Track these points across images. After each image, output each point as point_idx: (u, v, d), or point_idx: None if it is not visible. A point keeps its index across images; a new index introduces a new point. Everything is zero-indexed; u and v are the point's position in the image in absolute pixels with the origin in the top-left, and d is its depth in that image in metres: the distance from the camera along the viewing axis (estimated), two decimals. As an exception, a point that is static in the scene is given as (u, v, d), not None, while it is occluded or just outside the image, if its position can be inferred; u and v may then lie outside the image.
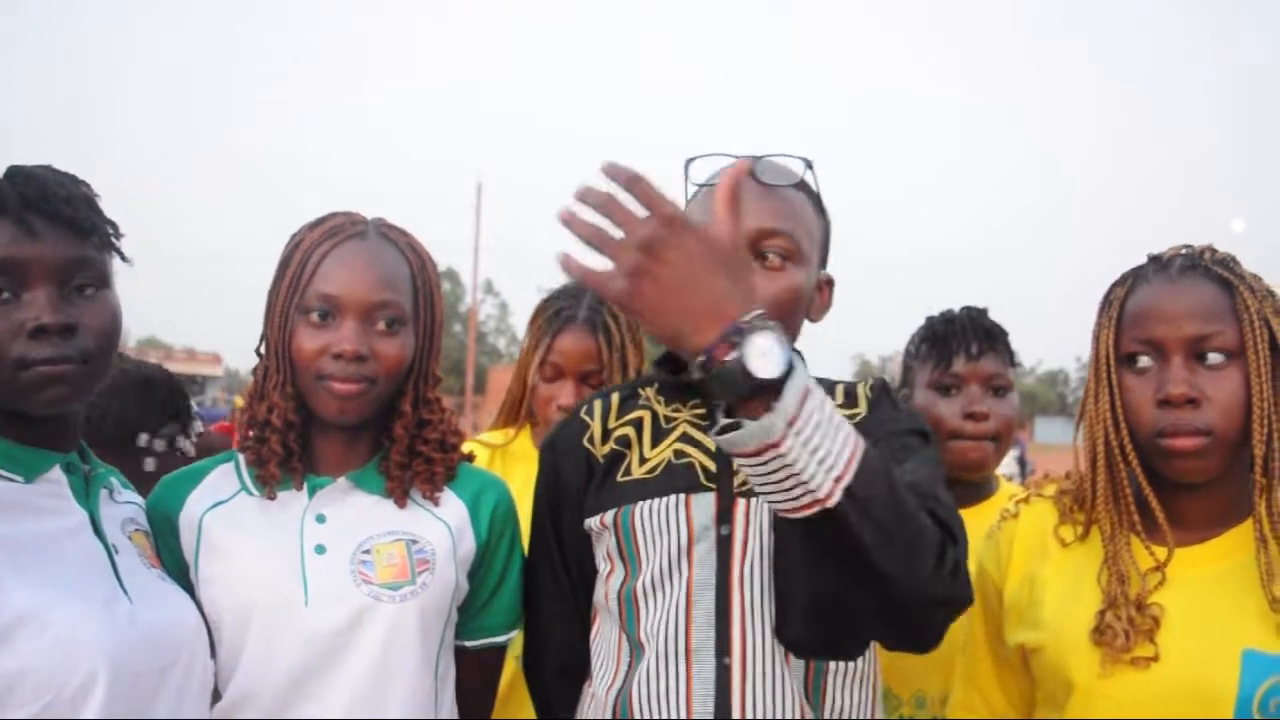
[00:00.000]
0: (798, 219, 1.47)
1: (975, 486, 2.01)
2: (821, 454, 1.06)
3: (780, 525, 1.39)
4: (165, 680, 1.29)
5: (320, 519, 1.49)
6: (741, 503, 1.43)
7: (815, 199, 1.52)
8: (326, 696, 1.41)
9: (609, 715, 1.45)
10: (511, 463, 2.29)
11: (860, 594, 1.21)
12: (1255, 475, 1.32)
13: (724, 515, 1.43)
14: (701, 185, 1.51)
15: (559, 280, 2.34)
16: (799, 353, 1.57)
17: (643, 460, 1.51)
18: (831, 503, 1.08)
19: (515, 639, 1.68)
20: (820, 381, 1.55)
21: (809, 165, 1.50)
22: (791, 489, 1.08)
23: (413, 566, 1.47)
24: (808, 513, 1.09)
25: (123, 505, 1.46)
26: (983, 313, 2.03)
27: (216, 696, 1.44)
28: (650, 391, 1.59)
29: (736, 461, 1.10)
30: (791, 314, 1.46)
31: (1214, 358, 1.32)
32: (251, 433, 1.52)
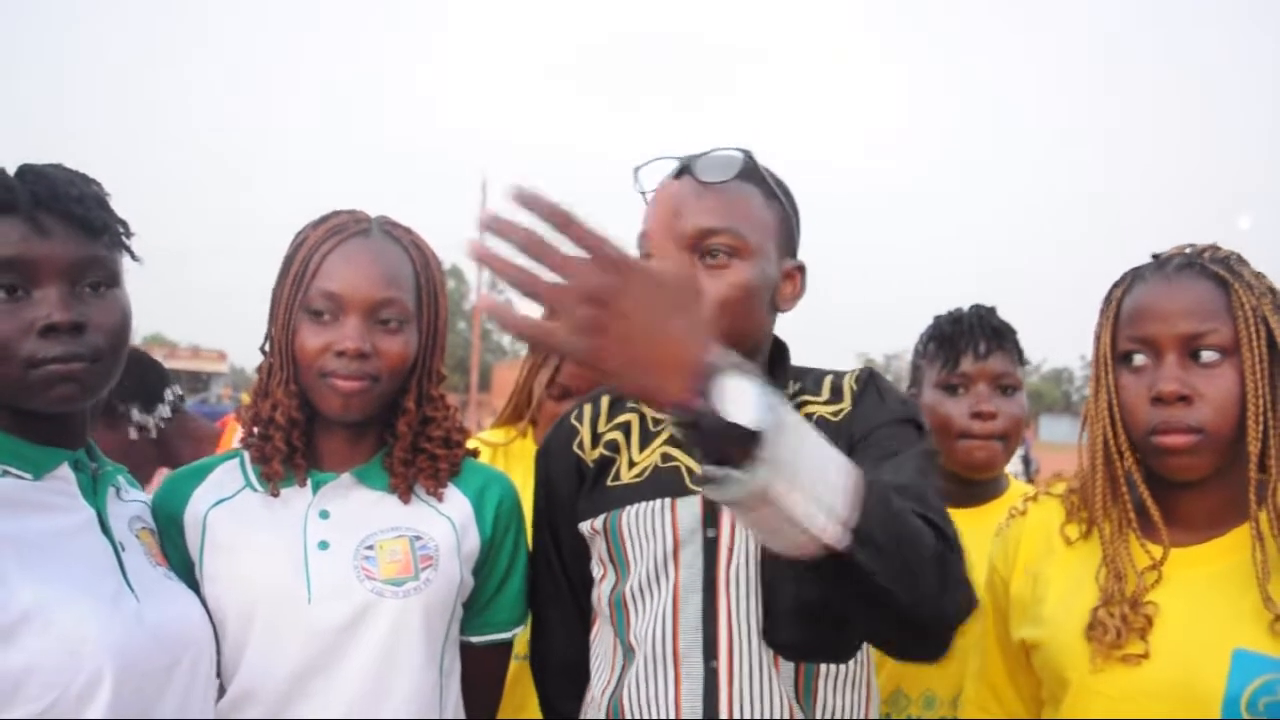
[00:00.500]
0: (740, 213, 1.44)
1: (984, 485, 2.00)
2: (818, 494, 1.00)
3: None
4: (171, 678, 1.29)
5: (324, 515, 1.49)
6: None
7: (765, 189, 1.48)
8: (330, 692, 1.41)
9: (602, 716, 1.46)
10: (513, 462, 2.29)
11: (857, 607, 1.17)
12: (1250, 473, 1.31)
13: (710, 518, 1.42)
14: (643, 193, 1.50)
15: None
16: (784, 346, 1.56)
17: (631, 464, 1.51)
18: (836, 544, 1.02)
19: (519, 636, 1.68)
20: (808, 372, 1.55)
21: (748, 156, 1.48)
22: (790, 534, 1.01)
23: (416, 562, 1.47)
24: (809, 555, 1.04)
25: (130, 503, 1.46)
26: (991, 311, 2.03)
27: (221, 692, 1.44)
28: None
29: (727, 509, 1.03)
30: (746, 311, 1.43)
31: (1208, 355, 1.32)
32: (255, 429, 1.52)
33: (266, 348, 1.55)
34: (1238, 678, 1.24)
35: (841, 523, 1.01)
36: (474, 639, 1.59)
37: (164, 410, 2.56)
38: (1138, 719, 1.29)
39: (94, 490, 1.37)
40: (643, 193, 1.51)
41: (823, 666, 1.40)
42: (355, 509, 1.50)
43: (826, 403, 1.48)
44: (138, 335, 1.41)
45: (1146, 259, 1.45)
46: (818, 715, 1.40)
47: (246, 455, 1.54)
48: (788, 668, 1.39)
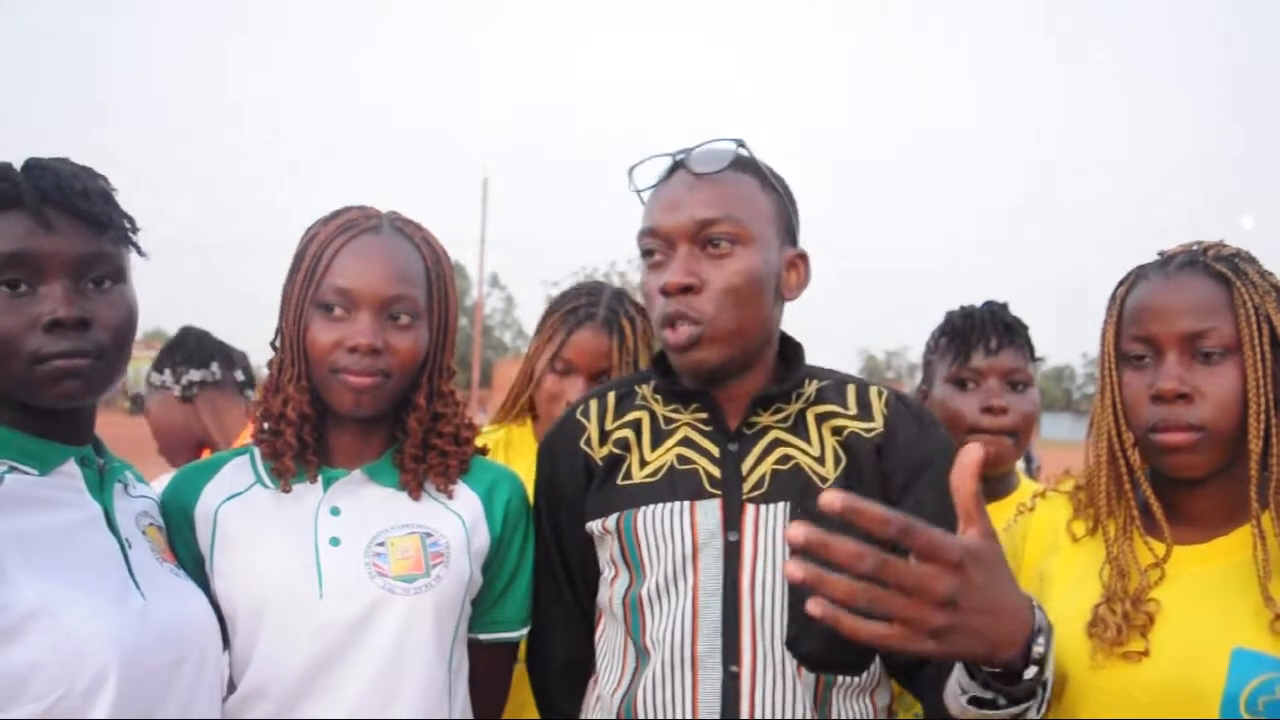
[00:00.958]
0: (739, 202, 1.45)
1: (995, 482, 2.00)
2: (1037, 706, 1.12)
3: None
4: (177, 676, 1.29)
5: (335, 511, 1.49)
6: (750, 509, 1.42)
7: (760, 177, 1.49)
8: (341, 689, 1.41)
9: (613, 718, 1.45)
10: (513, 453, 2.27)
11: None
12: (1251, 471, 1.31)
13: (732, 521, 1.42)
14: (640, 190, 1.52)
15: (562, 275, 2.34)
16: (798, 345, 1.55)
17: (643, 463, 1.50)
18: None
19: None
20: (823, 373, 1.55)
21: (741, 145, 1.49)
22: None
23: (427, 559, 1.47)
24: None
25: (137, 499, 1.46)
26: (1003, 307, 2.02)
27: (230, 688, 1.45)
28: (647, 390, 1.57)
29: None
30: (752, 297, 1.44)
31: (1210, 353, 1.32)
32: (266, 425, 1.52)
33: (277, 343, 1.55)
34: (1237, 676, 1.24)
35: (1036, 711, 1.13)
36: (482, 637, 1.59)
37: (192, 375, 2.53)
38: (1136, 717, 1.29)
39: (100, 486, 1.37)
40: (638, 191, 1.52)
41: (840, 677, 1.40)
42: (366, 505, 1.50)
43: (856, 418, 1.48)
44: (138, 330, 1.41)
45: (1151, 257, 1.45)
46: (831, 718, 1.40)
47: (257, 451, 1.54)
48: (809, 677, 1.39)
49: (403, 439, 1.54)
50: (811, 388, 1.52)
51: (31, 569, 1.19)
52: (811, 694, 1.39)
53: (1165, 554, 1.36)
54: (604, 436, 1.55)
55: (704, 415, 1.50)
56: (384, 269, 1.47)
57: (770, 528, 1.41)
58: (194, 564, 1.48)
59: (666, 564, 1.43)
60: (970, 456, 1.02)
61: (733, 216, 1.43)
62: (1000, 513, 1.90)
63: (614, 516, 1.49)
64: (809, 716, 1.38)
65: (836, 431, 1.47)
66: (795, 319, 1.57)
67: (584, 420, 1.58)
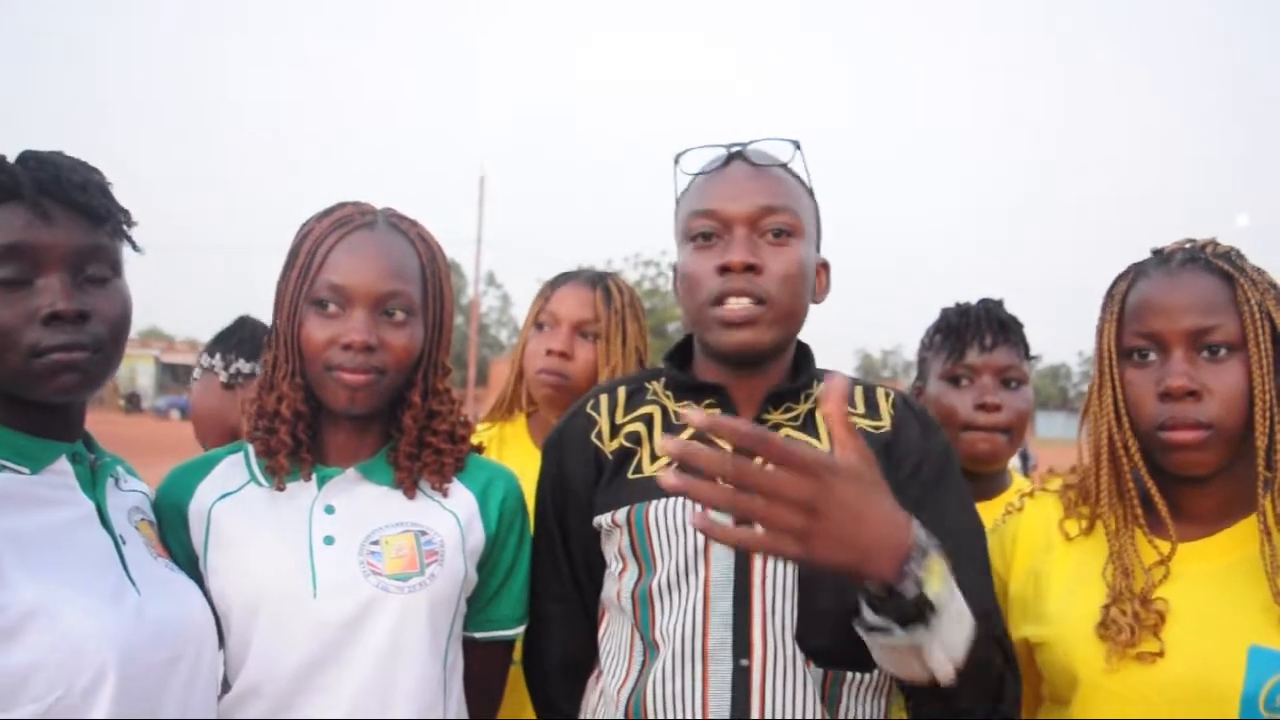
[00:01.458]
0: (794, 197, 1.49)
1: (987, 480, 1.99)
2: (948, 645, 1.14)
3: None
4: (173, 672, 1.29)
5: (329, 510, 1.48)
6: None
7: (803, 181, 1.54)
8: (335, 687, 1.40)
9: (621, 715, 1.44)
10: (507, 448, 2.25)
11: (924, 700, 1.30)
12: (1258, 468, 1.31)
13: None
14: (694, 175, 1.53)
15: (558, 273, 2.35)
16: (808, 347, 1.56)
17: (654, 457, 1.50)
18: (945, 682, 1.15)
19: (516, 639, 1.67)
20: (829, 375, 1.55)
21: (797, 147, 1.52)
22: (911, 668, 1.16)
23: (421, 558, 1.47)
24: (916, 681, 1.18)
25: (128, 494, 1.46)
26: (998, 304, 2.02)
27: (225, 687, 1.44)
28: (658, 386, 1.58)
29: (865, 637, 1.14)
30: (801, 290, 1.47)
31: (1215, 350, 1.32)
32: (261, 423, 1.51)
33: (271, 340, 1.54)
34: (1255, 675, 1.24)
35: (956, 667, 1.15)
36: (477, 635, 1.58)
37: (241, 365, 2.54)
38: (1152, 718, 1.29)
39: (93, 482, 1.36)
40: (691, 175, 1.53)
41: (849, 673, 1.40)
42: (360, 504, 1.49)
43: (864, 416, 1.50)
44: (134, 329, 1.40)
45: (1145, 255, 1.44)
46: (840, 717, 1.40)
47: (251, 449, 1.53)
48: (818, 671, 1.39)
49: (397, 437, 1.54)
50: (820, 387, 1.52)
51: (27, 569, 1.19)
52: (819, 688, 1.39)
53: (1170, 551, 1.36)
54: (615, 430, 1.55)
55: (716, 411, 1.51)
56: (378, 265, 1.47)
57: None
58: (188, 562, 1.47)
59: (678, 557, 1.43)
60: (835, 383, 1.08)
61: (791, 209, 1.47)
62: (993, 511, 1.90)
63: (625, 510, 1.48)
64: (817, 707, 1.38)
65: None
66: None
67: (595, 414, 1.58)
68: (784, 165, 1.51)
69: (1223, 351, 1.32)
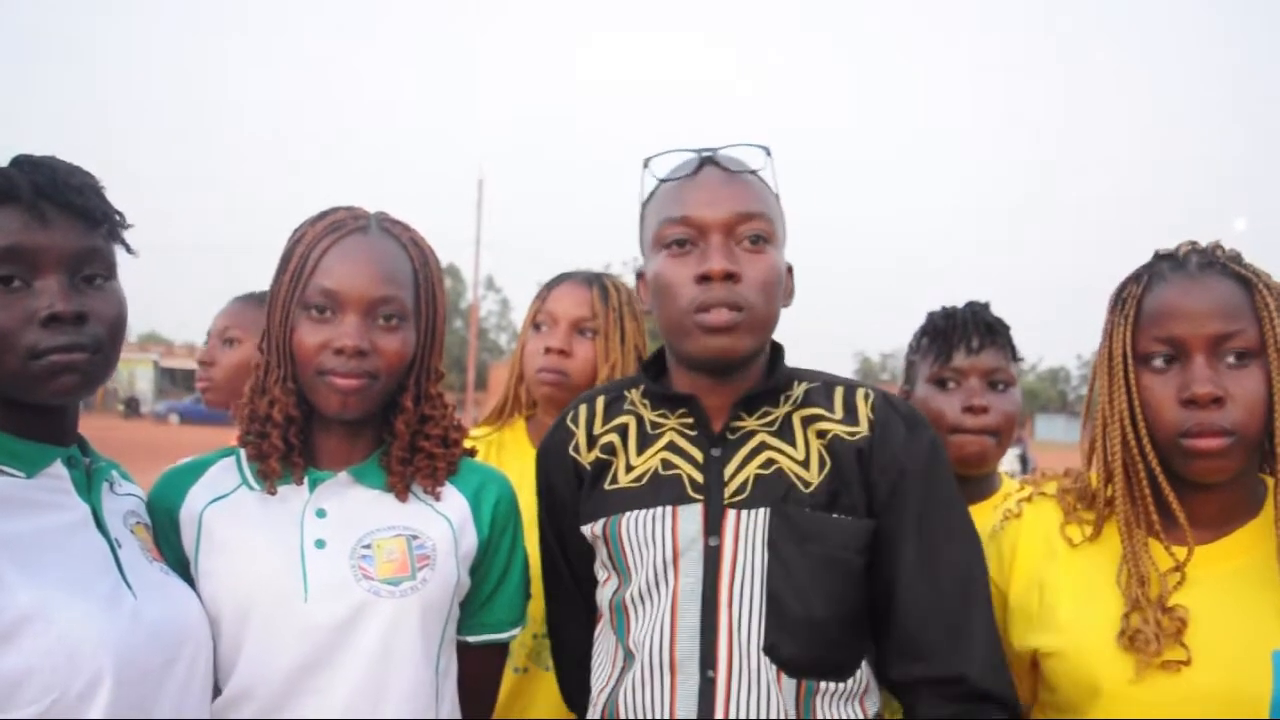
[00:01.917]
0: (767, 203, 1.48)
1: (977, 483, 1.98)
2: None
3: (777, 542, 1.39)
4: (169, 676, 1.29)
5: (321, 514, 1.48)
6: (731, 514, 1.42)
7: (771, 188, 1.52)
8: (327, 691, 1.40)
9: (598, 717, 1.47)
10: (505, 453, 2.25)
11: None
12: (1278, 473, 1.30)
13: (713, 526, 1.42)
14: (662, 180, 1.52)
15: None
16: (780, 348, 1.55)
17: (629, 468, 1.51)
18: None
19: (516, 644, 1.67)
20: (809, 375, 1.54)
21: (768, 153, 1.51)
22: None
23: (413, 562, 1.47)
24: None
25: (123, 498, 1.46)
26: (984, 307, 2.01)
27: (217, 691, 1.43)
28: (635, 395, 1.58)
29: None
30: (777, 296, 1.47)
31: (1237, 356, 1.31)
32: (253, 427, 1.51)
33: (264, 345, 1.54)
34: None
35: None
36: (470, 639, 1.58)
37: None
38: None
39: (88, 486, 1.36)
40: (660, 180, 1.52)
41: (823, 683, 1.40)
42: (352, 508, 1.49)
43: (840, 421, 1.48)
44: (133, 333, 1.40)
45: (1146, 258, 1.43)
46: None
47: (243, 453, 1.53)
48: (790, 683, 1.38)
49: (390, 441, 1.54)
50: (799, 389, 1.52)
51: (23, 573, 1.19)
52: (793, 700, 1.38)
53: (1188, 556, 1.35)
54: (591, 441, 1.56)
55: (689, 420, 1.50)
56: (371, 270, 1.47)
57: (750, 533, 1.41)
58: (180, 566, 1.47)
59: (649, 568, 1.44)
60: None
61: (766, 215, 1.46)
62: (984, 515, 1.89)
63: (601, 522, 1.50)
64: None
65: (821, 435, 1.47)
66: (791, 319, 1.57)
67: (573, 426, 1.59)
68: (754, 172, 1.50)
69: (1244, 358, 1.31)
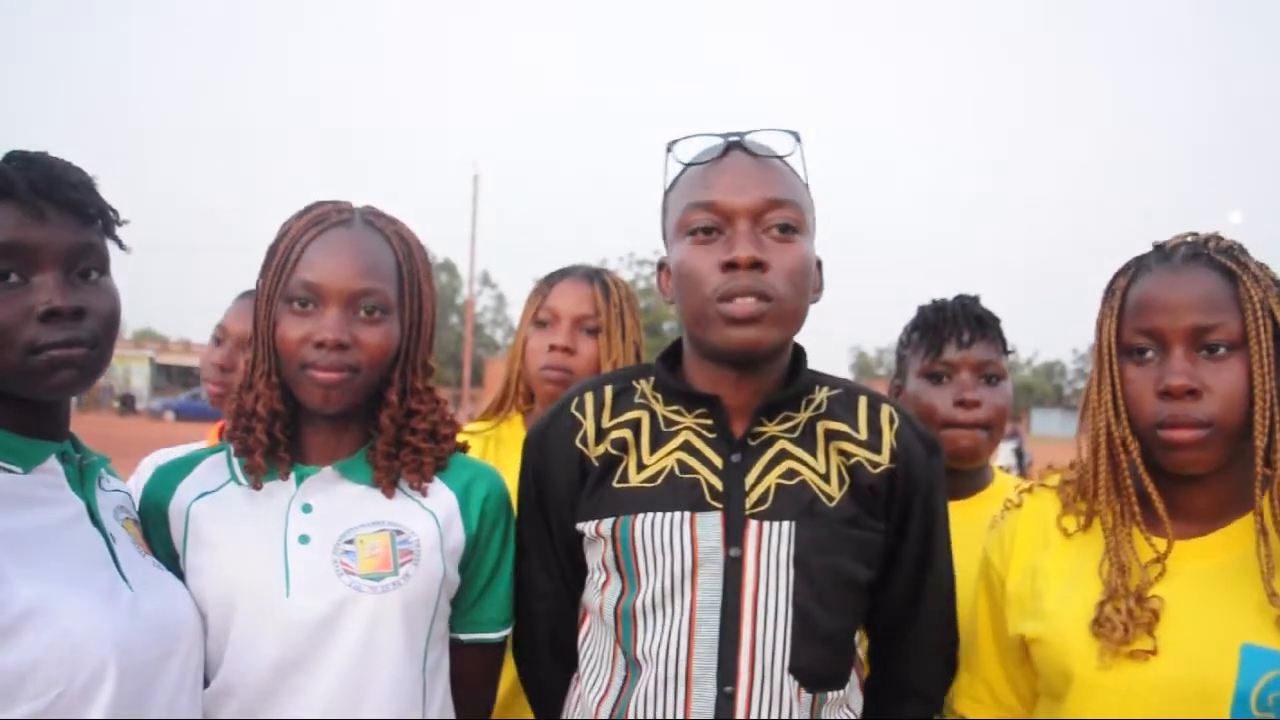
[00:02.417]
0: (797, 190, 1.43)
1: (970, 477, 1.98)
2: None
3: (804, 557, 1.38)
4: (166, 668, 1.29)
5: (306, 509, 1.47)
6: (753, 525, 1.39)
7: (801, 176, 1.48)
8: (309, 687, 1.40)
9: None
10: (504, 448, 2.24)
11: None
12: (1257, 467, 1.29)
13: (733, 537, 1.38)
14: (687, 164, 1.47)
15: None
16: (803, 350, 1.52)
17: (641, 466, 1.45)
18: None
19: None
20: (830, 381, 1.52)
21: (798, 139, 1.46)
22: None
23: (395, 557, 1.45)
24: None
25: (112, 493, 1.45)
26: (974, 300, 2.01)
27: (206, 685, 1.43)
28: (647, 386, 1.52)
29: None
30: (806, 286, 1.42)
31: (1216, 348, 1.30)
32: (239, 422, 1.50)
33: (250, 340, 1.53)
34: (1247, 673, 1.24)
35: None
36: (463, 637, 1.57)
37: None
38: (1145, 716, 1.28)
39: (81, 482, 1.36)
40: (683, 164, 1.48)
41: (829, 693, 1.40)
42: (338, 503, 1.49)
43: (865, 445, 1.46)
44: (128, 330, 1.40)
45: (1143, 251, 1.43)
46: None
47: (232, 448, 1.53)
48: (808, 697, 1.37)
49: (376, 436, 1.52)
50: (822, 395, 1.49)
51: (24, 568, 1.19)
52: (809, 713, 1.37)
53: (1167, 549, 1.35)
54: (600, 434, 1.49)
55: (708, 421, 1.46)
56: (352, 263, 1.46)
57: (774, 545, 1.38)
58: (170, 561, 1.47)
59: (664, 576, 1.39)
60: None
61: (795, 203, 1.41)
62: (975, 508, 1.89)
63: (609, 521, 1.44)
64: None
65: (843, 454, 1.45)
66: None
67: (579, 415, 1.52)
68: (783, 158, 1.45)
69: (1223, 350, 1.30)
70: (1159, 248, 1.41)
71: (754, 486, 1.41)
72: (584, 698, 1.48)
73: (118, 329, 1.36)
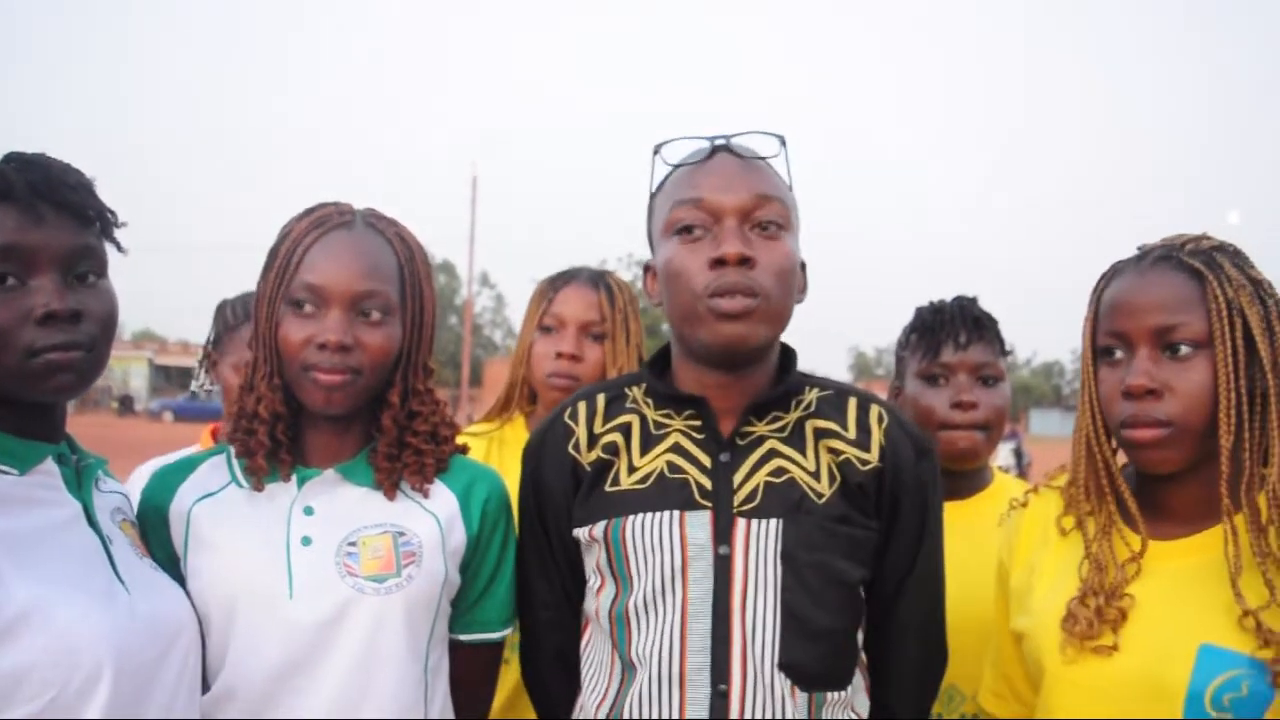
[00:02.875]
0: (782, 190, 1.46)
1: (968, 477, 1.98)
2: None
3: (791, 554, 1.38)
4: (163, 670, 1.29)
5: (308, 511, 1.47)
6: (741, 523, 1.39)
7: (786, 178, 1.50)
8: (312, 689, 1.40)
9: None
10: (506, 450, 2.24)
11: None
12: (1222, 466, 1.30)
13: (722, 535, 1.39)
14: (674, 166, 1.49)
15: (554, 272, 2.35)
16: (792, 350, 1.54)
17: (632, 469, 1.46)
18: None
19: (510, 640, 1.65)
20: (819, 382, 1.52)
21: (783, 142, 1.48)
22: None
23: (398, 559, 1.46)
24: None
25: (109, 495, 1.45)
26: (972, 302, 2.01)
27: (205, 689, 1.43)
28: (638, 392, 1.54)
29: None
30: (792, 284, 1.44)
31: (1181, 349, 1.31)
32: (240, 424, 1.50)
33: (252, 342, 1.53)
34: (1202, 673, 1.24)
35: None
36: (463, 637, 1.57)
37: None
38: (1105, 714, 1.30)
39: (78, 483, 1.36)
40: (672, 166, 1.49)
41: (829, 694, 1.40)
42: (339, 505, 1.49)
43: (854, 443, 1.46)
44: (126, 331, 1.40)
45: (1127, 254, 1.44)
46: None
47: (232, 450, 1.53)
48: (803, 696, 1.37)
49: (378, 437, 1.52)
50: (811, 395, 1.50)
51: (20, 570, 1.19)
52: (805, 713, 1.37)
53: (1141, 549, 1.36)
54: (592, 440, 1.51)
55: (697, 422, 1.47)
56: (354, 265, 1.46)
57: (762, 543, 1.38)
58: (170, 563, 1.47)
59: (655, 576, 1.40)
60: None
61: (781, 201, 1.43)
62: (975, 508, 1.90)
63: (601, 524, 1.45)
64: None
65: (833, 452, 1.45)
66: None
67: (572, 423, 1.54)
68: (769, 159, 1.47)
69: (1186, 349, 1.31)
70: (1139, 251, 1.42)
71: (742, 485, 1.42)
72: (585, 705, 1.49)
73: (115, 332, 1.36)
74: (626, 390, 1.56)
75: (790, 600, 1.37)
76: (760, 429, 1.46)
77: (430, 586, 1.48)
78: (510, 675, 1.97)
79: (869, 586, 1.48)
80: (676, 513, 1.41)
